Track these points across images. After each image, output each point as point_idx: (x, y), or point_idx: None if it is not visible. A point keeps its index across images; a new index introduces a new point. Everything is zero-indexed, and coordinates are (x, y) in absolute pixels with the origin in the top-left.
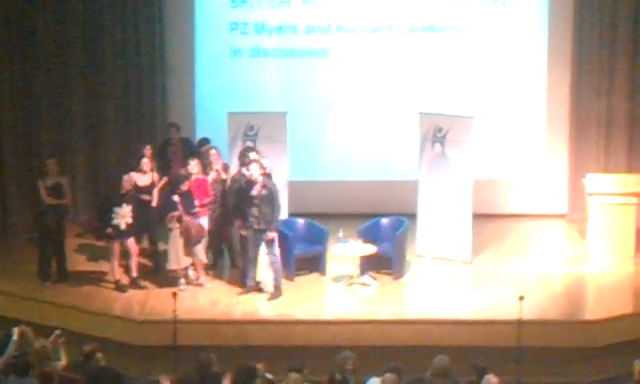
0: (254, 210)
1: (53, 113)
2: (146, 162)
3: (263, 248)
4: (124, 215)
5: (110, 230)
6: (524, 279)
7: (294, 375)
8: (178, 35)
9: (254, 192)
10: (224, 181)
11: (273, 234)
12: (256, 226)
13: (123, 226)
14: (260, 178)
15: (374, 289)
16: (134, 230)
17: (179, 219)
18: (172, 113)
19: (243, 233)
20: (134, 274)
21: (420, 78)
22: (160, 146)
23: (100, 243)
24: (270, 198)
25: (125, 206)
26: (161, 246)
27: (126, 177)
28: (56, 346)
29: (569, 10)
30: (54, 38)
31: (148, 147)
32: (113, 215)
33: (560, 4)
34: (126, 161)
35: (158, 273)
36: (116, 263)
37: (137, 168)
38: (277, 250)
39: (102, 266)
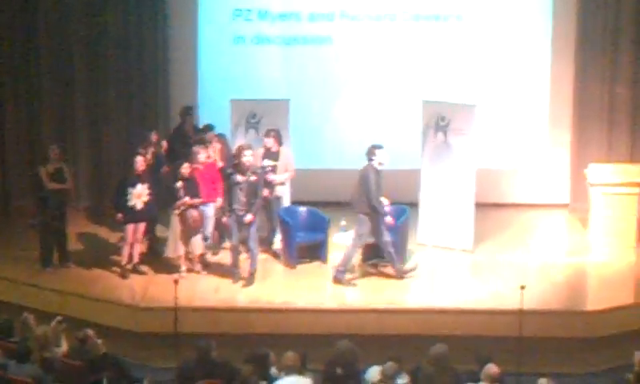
0: (241, 196)
1: (55, 99)
2: (151, 151)
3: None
4: (139, 195)
5: (120, 215)
6: (525, 269)
7: (289, 354)
8: (181, 21)
9: (241, 178)
10: (220, 169)
11: (250, 217)
12: (240, 213)
13: (140, 206)
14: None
15: (375, 277)
16: (149, 212)
17: (180, 207)
18: (174, 99)
19: (224, 220)
20: (136, 259)
21: (423, 66)
22: (176, 131)
23: (102, 229)
24: (256, 185)
25: (140, 186)
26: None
27: (137, 158)
28: (57, 332)
29: None
30: (56, 28)
31: (154, 133)
32: (127, 197)
33: None
34: (131, 146)
35: (155, 258)
36: (128, 248)
37: (144, 153)
38: (255, 237)
39: (104, 252)
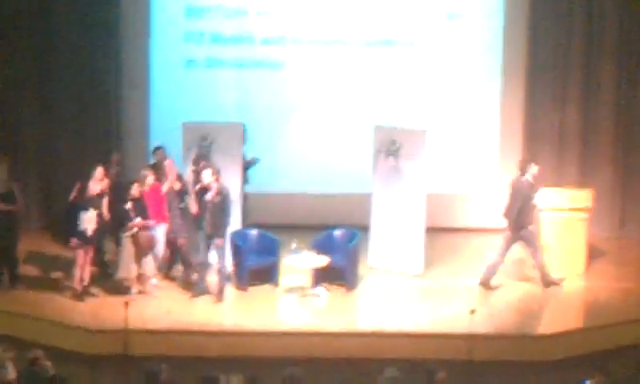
0: (208, 216)
1: (4, 119)
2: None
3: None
4: (90, 220)
5: (74, 241)
6: (475, 293)
7: (238, 376)
8: (132, 45)
9: (208, 197)
10: (177, 191)
11: (221, 240)
12: (208, 231)
13: (90, 231)
14: (214, 184)
15: (327, 300)
16: (99, 236)
17: (132, 228)
18: (126, 122)
19: (181, 241)
20: (87, 281)
21: (375, 91)
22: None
23: (53, 250)
24: (222, 205)
25: (91, 210)
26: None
27: (90, 182)
28: (3, 359)
29: (523, 26)
30: (5, 50)
31: (115, 153)
32: (79, 221)
33: (515, 20)
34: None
35: (105, 280)
36: (79, 271)
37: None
38: (225, 256)
39: (55, 274)
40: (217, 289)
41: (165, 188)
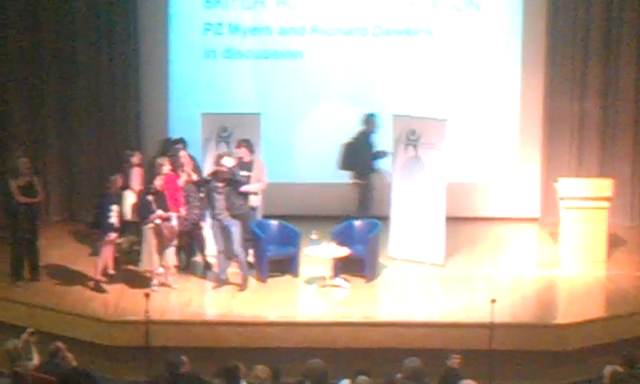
0: (221, 202)
1: (26, 112)
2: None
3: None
4: (118, 212)
5: (111, 235)
6: (496, 282)
7: (260, 367)
8: (152, 36)
9: (220, 183)
10: (195, 182)
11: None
12: (223, 218)
13: (117, 223)
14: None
15: (347, 291)
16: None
17: (154, 220)
18: (146, 113)
19: (200, 231)
20: (111, 272)
21: (394, 81)
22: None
23: (74, 242)
24: (233, 186)
25: (129, 198)
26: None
27: (119, 175)
28: (28, 345)
29: (542, 15)
30: (27, 41)
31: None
32: (110, 213)
33: (533, 9)
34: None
35: (125, 271)
36: (103, 263)
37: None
38: (240, 241)
39: (75, 266)
40: (240, 278)
41: (182, 180)
